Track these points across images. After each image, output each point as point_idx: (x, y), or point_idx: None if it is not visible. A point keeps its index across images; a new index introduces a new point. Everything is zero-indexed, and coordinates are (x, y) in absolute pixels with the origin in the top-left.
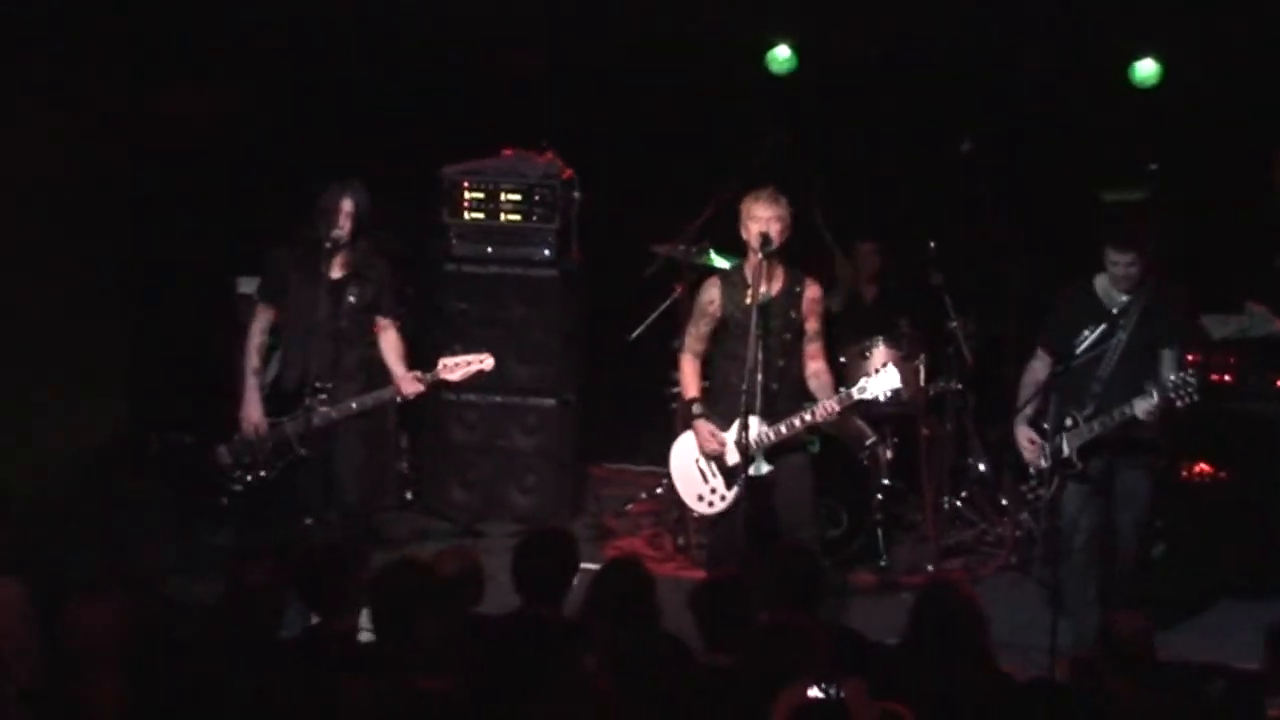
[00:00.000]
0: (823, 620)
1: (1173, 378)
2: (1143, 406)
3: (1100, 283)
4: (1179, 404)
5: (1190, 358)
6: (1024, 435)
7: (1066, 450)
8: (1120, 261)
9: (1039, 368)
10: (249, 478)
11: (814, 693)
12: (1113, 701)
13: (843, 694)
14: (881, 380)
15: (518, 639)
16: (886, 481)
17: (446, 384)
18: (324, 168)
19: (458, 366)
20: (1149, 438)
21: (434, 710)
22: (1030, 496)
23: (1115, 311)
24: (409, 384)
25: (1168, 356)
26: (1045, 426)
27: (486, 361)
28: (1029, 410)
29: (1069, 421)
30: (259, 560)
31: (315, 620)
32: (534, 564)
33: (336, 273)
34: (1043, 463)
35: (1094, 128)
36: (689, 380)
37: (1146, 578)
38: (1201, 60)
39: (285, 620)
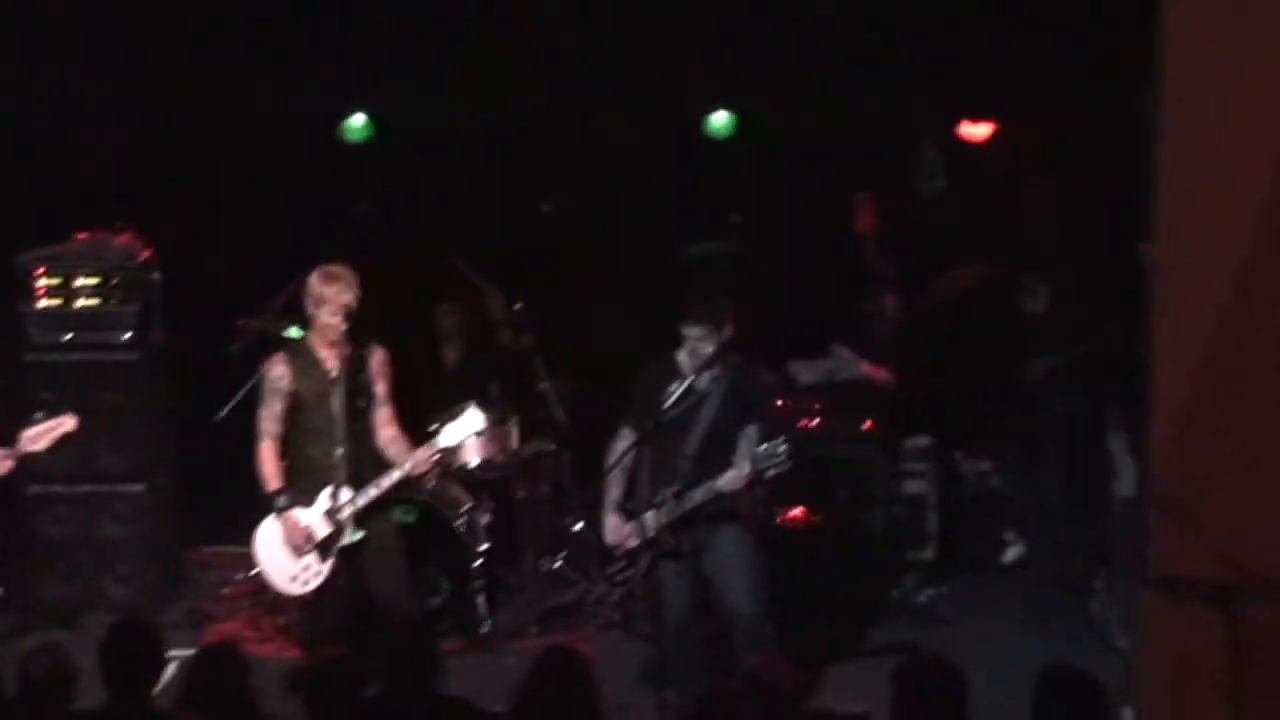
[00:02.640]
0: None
1: (761, 449)
2: (729, 480)
3: (682, 357)
4: (769, 474)
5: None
6: (610, 520)
7: (654, 528)
8: (691, 335)
9: (624, 448)
10: None
11: None
12: None
13: None
14: (462, 424)
15: None
16: (485, 547)
17: (34, 454)
18: None
19: (40, 435)
20: (736, 506)
21: None
22: (619, 579)
23: (699, 386)
24: None
25: (752, 431)
26: (630, 507)
27: (68, 422)
28: (616, 493)
29: (658, 499)
30: None
31: None
32: (117, 659)
33: None
34: (631, 543)
35: (674, 182)
36: (269, 469)
37: (768, 633)
38: (774, 109)
39: None
